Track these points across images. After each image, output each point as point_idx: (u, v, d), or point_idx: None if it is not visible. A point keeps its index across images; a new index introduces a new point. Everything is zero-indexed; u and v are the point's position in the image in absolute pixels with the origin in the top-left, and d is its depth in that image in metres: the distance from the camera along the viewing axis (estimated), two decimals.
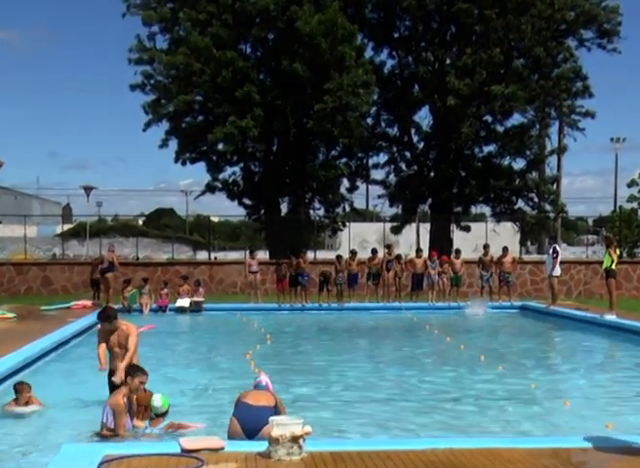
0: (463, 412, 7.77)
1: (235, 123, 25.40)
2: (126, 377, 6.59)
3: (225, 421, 6.10)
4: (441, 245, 26.39)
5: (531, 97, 27.55)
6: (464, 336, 14.52)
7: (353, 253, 20.26)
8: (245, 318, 17.55)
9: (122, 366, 7.39)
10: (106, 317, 7.79)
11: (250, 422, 5.77)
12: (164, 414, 6.88)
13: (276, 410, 5.92)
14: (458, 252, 20.55)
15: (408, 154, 30.41)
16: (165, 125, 28.20)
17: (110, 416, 6.36)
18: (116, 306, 18.36)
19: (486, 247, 20.42)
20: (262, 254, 28.24)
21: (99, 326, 8.02)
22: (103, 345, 7.80)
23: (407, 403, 8.27)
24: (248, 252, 21.13)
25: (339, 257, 20.19)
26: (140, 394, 6.78)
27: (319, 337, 14.81)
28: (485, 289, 20.06)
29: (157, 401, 6.84)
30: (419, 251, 20.83)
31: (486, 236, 25.68)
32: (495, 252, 20.49)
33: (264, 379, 6.45)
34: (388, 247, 20.82)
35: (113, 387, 7.44)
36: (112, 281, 19.23)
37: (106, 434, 6.34)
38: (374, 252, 20.27)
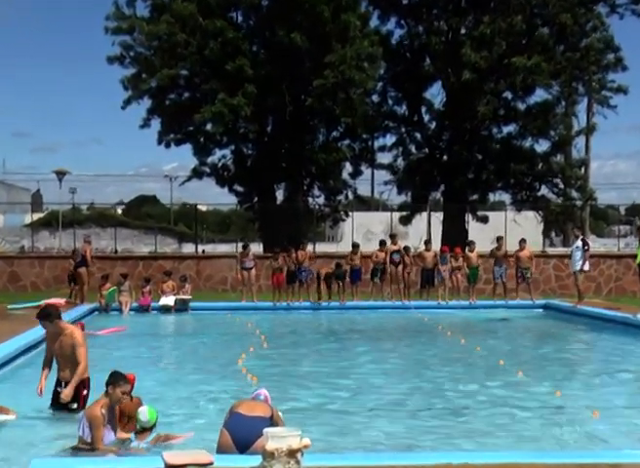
0: (479, 423, 7.77)
1: (225, 100, 25.36)
2: (107, 386, 6.56)
3: (214, 434, 6.10)
4: (455, 237, 26.37)
5: (556, 70, 27.46)
6: (481, 338, 14.51)
7: (355, 245, 20.24)
8: (237, 318, 17.56)
9: (68, 389, 7.30)
10: (45, 315, 7.58)
11: (242, 434, 5.75)
12: (151, 428, 6.85)
13: (273, 423, 5.90)
14: (471, 243, 20.52)
15: (418, 135, 30.39)
16: (147, 102, 28.24)
17: (87, 429, 6.35)
18: (92, 305, 18.49)
19: (499, 239, 20.35)
20: (256, 247, 28.25)
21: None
22: (47, 368, 7.63)
23: (418, 412, 8.26)
24: (240, 246, 21.07)
25: (338, 264, 20.10)
26: (126, 402, 6.75)
27: (320, 340, 14.81)
28: (498, 285, 20.03)
29: (143, 414, 6.79)
30: (428, 243, 20.74)
31: (505, 227, 25.65)
32: (516, 244, 20.47)
33: (263, 393, 6.41)
34: (392, 237, 20.75)
35: (58, 399, 7.41)
36: (85, 277, 19.22)
37: (83, 448, 6.33)
38: (382, 243, 20.24)
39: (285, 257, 19.64)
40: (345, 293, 19.82)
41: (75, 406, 7.50)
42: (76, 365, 7.45)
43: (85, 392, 7.56)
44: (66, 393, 7.35)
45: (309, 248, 20.87)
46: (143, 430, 6.78)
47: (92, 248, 20.32)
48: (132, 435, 6.73)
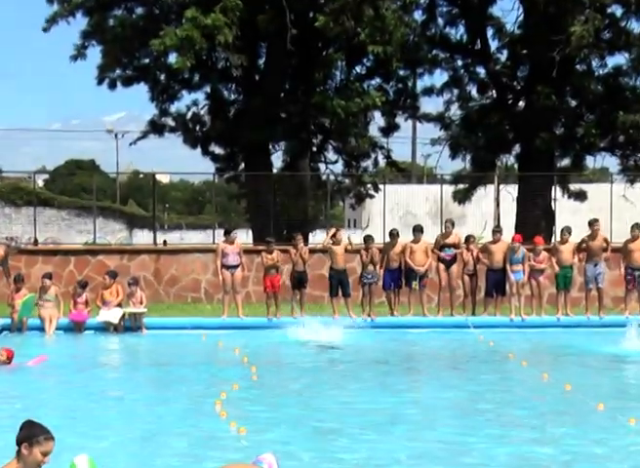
0: None
1: (196, 19, 25.29)
2: (20, 444, 6.54)
3: None
4: (536, 221, 26.30)
5: None
6: (572, 372, 14.53)
7: (394, 234, 20.21)
8: (220, 342, 17.61)
9: None
10: None
11: None
12: None
13: None
14: (564, 231, 20.46)
15: (481, 71, 30.29)
16: (81, 21, 28.22)
17: None
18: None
19: (592, 223, 20.17)
20: (244, 237, 28.32)
21: None
22: None
23: None
24: (222, 232, 21.06)
25: (368, 241, 20.13)
26: None
27: (336, 373, 14.81)
28: (591, 292, 20.01)
29: (83, 465, 6.79)
30: (496, 231, 20.68)
31: (610, 206, 25.51)
32: (626, 232, 20.35)
33: (268, 461, 6.37)
34: (452, 224, 20.61)
35: None
36: None
37: None
38: (417, 230, 20.10)
39: (290, 253, 19.62)
40: (373, 304, 19.88)
41: None
42: None
43: None
44: None
45: (318, 236, 20.83)
46: None
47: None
48: None
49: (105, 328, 18.88)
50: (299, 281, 19.70)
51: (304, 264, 19.75)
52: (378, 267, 19.89)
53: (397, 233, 20.26)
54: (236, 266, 19.71)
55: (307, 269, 20.03)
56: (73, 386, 13.37)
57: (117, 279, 19.92)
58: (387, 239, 20.70)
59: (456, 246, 20.14)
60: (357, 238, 22.14)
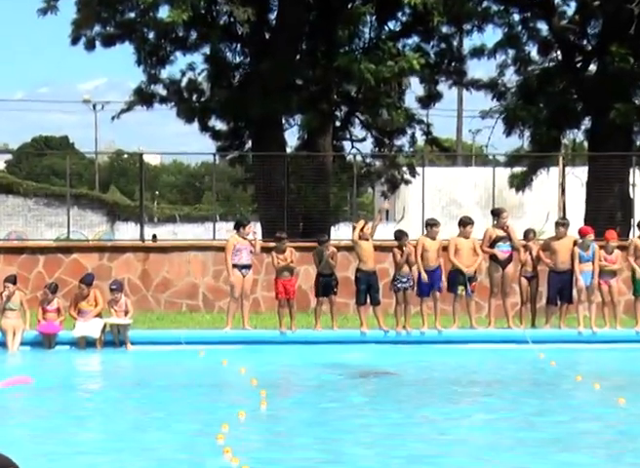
0: None
1: None
2: None
3: None
4: (609, 211, 26.21)
5: None
6: None
7: (432, 224, 20.15)
8: (223, 360, 17.58)
9: None
10: None
11: None
12: None
13: None
14: None
15: (543, 28, 30.21)
16: None
17: None
18: None
19: None
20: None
21: None
22: None
23: None
24: (234, 224, 20.92)
25: (401, 237, 20.10)
26: None
27: (365, 400, 14.79)
28: None
29: None
30: (561, 224, 20.63)
31: None
32: None
33: None
34: (497, 213, 20.62)
35: None
36: None
37: None
38: (465, 223, 20.05)
39: (318, 251, 19.60)
40: (409, 314, 19.89)
41: None
42: None
43: None
44: None
45: (342, 230, 20.81)
46: None
47: None
48: None
49: (81, 343, 18.85)
50: (324, 286, 19.72)
51: (333, 268, 19.69)
52: (415, 269, 19.85)
53: (437, 223, 20.20)
54: (250, 266, 19.66)
55: (336, 272, 19.92)
56: (42, 414, 13.42)
57: (96, 283, 19.92)
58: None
59: (513, 241, 20.08)
60: (389, 233, 22.02)
